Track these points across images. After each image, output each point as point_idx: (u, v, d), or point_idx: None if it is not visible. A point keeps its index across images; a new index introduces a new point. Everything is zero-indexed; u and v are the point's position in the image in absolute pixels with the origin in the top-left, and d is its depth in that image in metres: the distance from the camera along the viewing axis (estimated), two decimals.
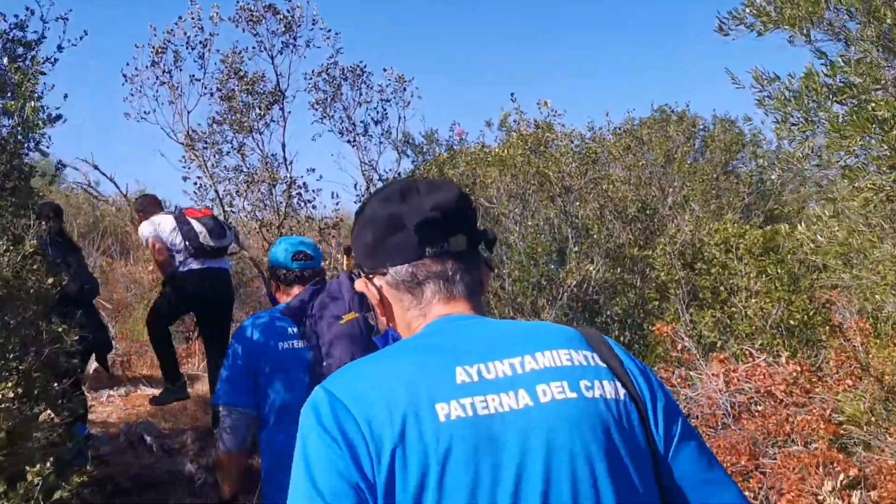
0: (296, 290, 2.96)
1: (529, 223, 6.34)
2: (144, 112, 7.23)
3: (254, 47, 7.50)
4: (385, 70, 8.08)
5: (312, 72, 7.81)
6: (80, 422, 4.93)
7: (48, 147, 4.08)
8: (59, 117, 3.36)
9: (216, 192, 7.26)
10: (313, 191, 7.65)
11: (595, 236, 6.59)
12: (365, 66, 7.92)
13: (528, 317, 6.02)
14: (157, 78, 7.24)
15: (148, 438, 5.34)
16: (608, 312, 6.44)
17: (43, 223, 3.36)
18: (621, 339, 6.40)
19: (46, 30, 3.64)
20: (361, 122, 8.02)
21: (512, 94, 7.59)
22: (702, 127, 12.05)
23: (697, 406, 4.82)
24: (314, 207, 7.80)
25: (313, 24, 7.67)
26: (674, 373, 5.20)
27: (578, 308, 6.32)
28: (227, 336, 5.65)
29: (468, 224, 1.24)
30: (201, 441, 5.42)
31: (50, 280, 3.10)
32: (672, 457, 1.15)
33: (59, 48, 3.64)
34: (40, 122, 3.11)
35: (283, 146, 7.63)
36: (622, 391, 1.14)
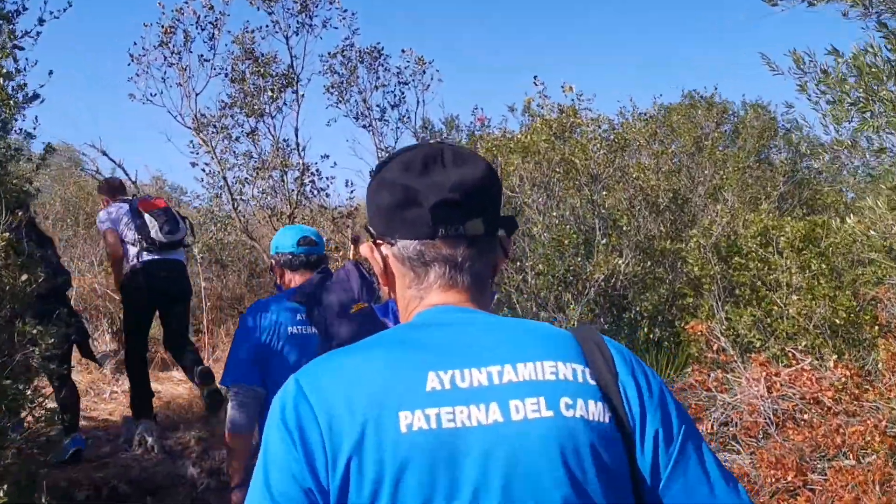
0: (302, 275, 2.98)
1: (554, 213, 5.97)
2: (151, 94, 6.96)
3: (268, 26, 7.21)
4: (403, 51, 7.76)
5: (329, 53, 7.51)
6: (73, 431, 4.66)
7: (34, 129, 3.79)
8: (36, 96, 3.06)
9: (224, 179, 6.96)
10: (327, 178, 7.38)
11: (624, 228, 6.20)
12: (382, 48, 7.61)
13: (551, 313, 5.65)
14: (165, 59, 6.95)
15: (149, 439, 5.06)
16: (637, 308, 6.06)
17: (20, 213, 3.05)
18: (651, 336, 6.02)
19: (27, 0, 3.34)
20: (378, 106, 7.73)
21: (535, 77, 7.20)
22: (731, 112, 11.60)
23: (737, 413, 4.45)
24: (328, 196, 7.52)
25: (330, 4, 7.36)
26: (709, 375, 4.84)
27: (606, 304, 5.95)
28: (188, 329, 5.42)
29: (490, 206, 1.15)
30: (205, 442, 5.14)
31: (24, 277, 2.80)
32: (664, 487, 1.04)
33: (41, 21, 3.34)
34: (13, 102, 2.80)
35: (296, 131, 7.33)
36: (608, 414, 1.04)
